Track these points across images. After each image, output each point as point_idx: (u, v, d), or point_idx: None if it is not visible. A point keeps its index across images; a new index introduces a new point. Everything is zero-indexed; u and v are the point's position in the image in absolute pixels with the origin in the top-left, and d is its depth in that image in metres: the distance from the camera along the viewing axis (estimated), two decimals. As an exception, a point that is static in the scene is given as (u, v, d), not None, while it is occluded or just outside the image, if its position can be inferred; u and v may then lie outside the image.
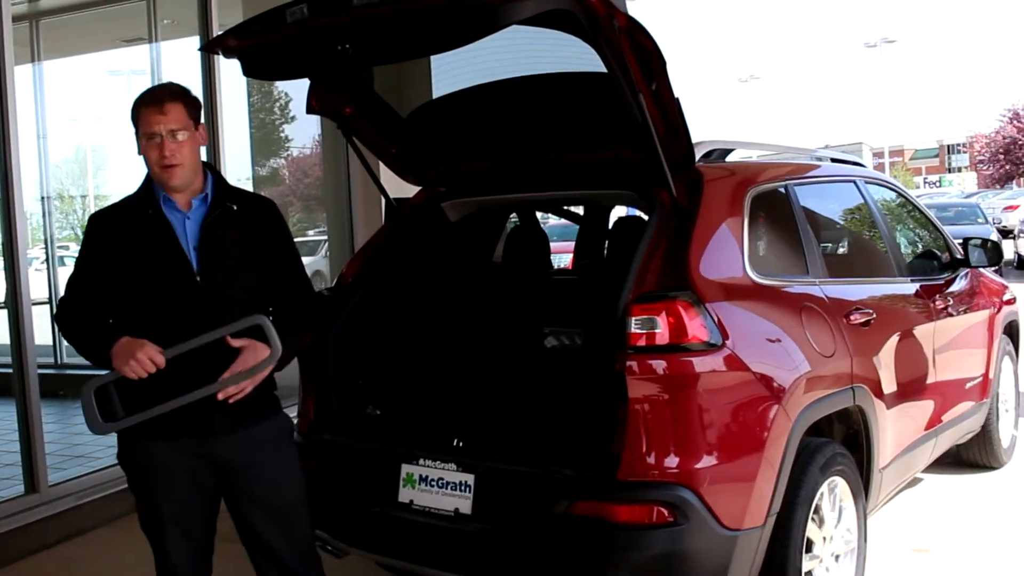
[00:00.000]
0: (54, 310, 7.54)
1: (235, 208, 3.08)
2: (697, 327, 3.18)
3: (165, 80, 3.35)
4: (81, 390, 2.87)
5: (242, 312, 2.94)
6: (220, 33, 3.56)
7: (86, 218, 9.42)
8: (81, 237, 3.27)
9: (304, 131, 9.21)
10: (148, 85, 7.41)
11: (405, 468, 3.60)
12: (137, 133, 3.02)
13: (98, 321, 3.01)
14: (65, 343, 6.64)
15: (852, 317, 3.99)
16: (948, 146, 79.16)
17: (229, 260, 3.02)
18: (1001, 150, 56.81)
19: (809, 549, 3.55)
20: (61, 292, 3.19)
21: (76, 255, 3.05)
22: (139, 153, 3.04)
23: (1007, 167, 56.55)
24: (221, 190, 3.11)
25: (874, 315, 4.15)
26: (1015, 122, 56.24)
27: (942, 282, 5.21)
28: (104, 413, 2.88)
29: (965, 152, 71.69)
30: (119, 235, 3.01)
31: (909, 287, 4.84)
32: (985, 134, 59.96)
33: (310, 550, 3.27)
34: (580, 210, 5.75)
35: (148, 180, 3.07)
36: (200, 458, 2.99)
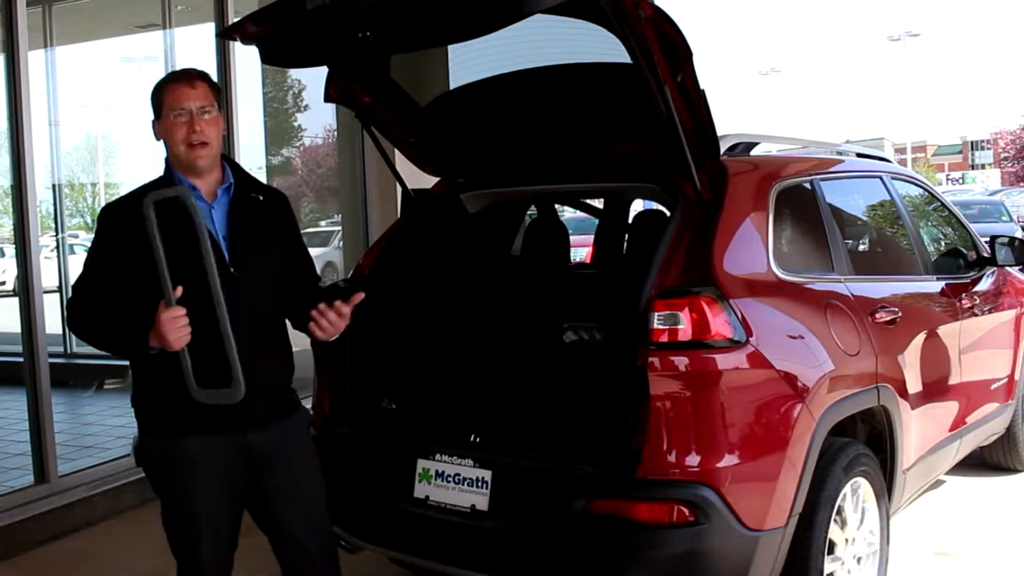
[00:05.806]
0: (65, 302, 7.54)
1: (261, 199, 3.04)
2: (721, 323, 3.13)
3: (179, 67, 3.25)
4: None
5: (271, 303, 2.98)
6: (238, 19, 3.51)
7: (96, 206, 9.42)
8: (92, 226, 3.18)
9: (318, 120, 9.18)
10: (161, 72, 7.36)
11: (421, 463, 3.55)
12: (159, 114, 2.91)
13: (116, 312, 2.85)
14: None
15: (877, 315, 3.92)
16: (972, 142, 77.52)
17: (259, 250, 2.97)
18: (1026, 147, 56.32)
19: (831, 551, 3.50)
20: (72, 281, 3.09)
21: (87, 248, 2.93)
22: (157, 137, 2.94)
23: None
24: (243, 180, 3.05)
25: (899, 313, 4.08)
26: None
27: (968, 281, 5.12)
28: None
29: (989, 149, 70.61)
30: (142, 226, 2.79)
31: (935, 285, 4.77)
32: (1010, 131, 59.37)
33: (331, 543, 3.22)
34: (599, 203, 5.69)
35: (169, 170, 2.95)
36: (235, 450, 2.93)
